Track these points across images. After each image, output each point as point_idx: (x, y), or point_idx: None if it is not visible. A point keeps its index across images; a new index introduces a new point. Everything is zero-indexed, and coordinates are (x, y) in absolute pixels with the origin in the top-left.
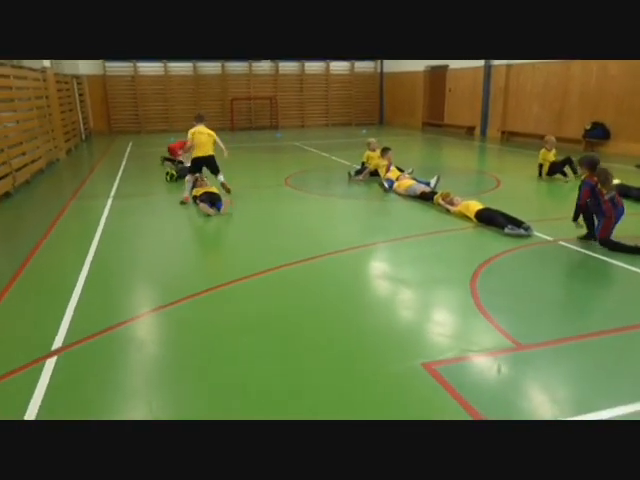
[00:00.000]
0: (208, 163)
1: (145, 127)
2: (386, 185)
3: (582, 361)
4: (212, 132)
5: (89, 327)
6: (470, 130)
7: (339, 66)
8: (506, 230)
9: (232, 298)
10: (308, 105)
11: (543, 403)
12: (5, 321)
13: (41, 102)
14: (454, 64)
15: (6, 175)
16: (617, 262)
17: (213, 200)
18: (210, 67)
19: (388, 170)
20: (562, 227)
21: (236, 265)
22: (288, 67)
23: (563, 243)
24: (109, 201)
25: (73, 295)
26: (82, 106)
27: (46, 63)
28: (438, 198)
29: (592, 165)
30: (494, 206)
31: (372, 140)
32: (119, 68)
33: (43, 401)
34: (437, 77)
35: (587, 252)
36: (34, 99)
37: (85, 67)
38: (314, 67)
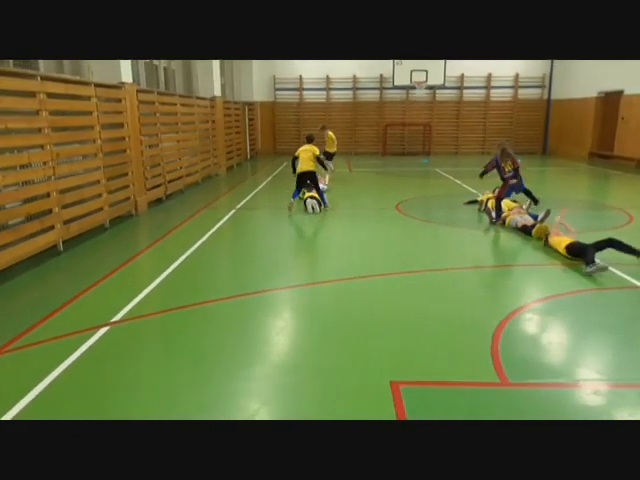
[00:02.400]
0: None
1: None
2: (494, 215)
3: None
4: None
5: (150, 307)
6: None
7: (501, 93)
8: (586, 269)
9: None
10: (464, 132)
11: None
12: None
13: (206, 125)
14: (630, 89)
15: (160, 184)
16: None
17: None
18: (369, 94)
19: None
20: None
21: (290, 274)
22: (446, 94)
23: None
24: (232, 212)
25: (158, 278)
26: (251, 129)
27: (217, 92)
28: (536, 232)
29: (500, 148)
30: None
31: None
32: (287, 95)
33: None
34: (610, 104)
35: None
36: (198, 123)
37: (259, 95)
38: (473, 94)
